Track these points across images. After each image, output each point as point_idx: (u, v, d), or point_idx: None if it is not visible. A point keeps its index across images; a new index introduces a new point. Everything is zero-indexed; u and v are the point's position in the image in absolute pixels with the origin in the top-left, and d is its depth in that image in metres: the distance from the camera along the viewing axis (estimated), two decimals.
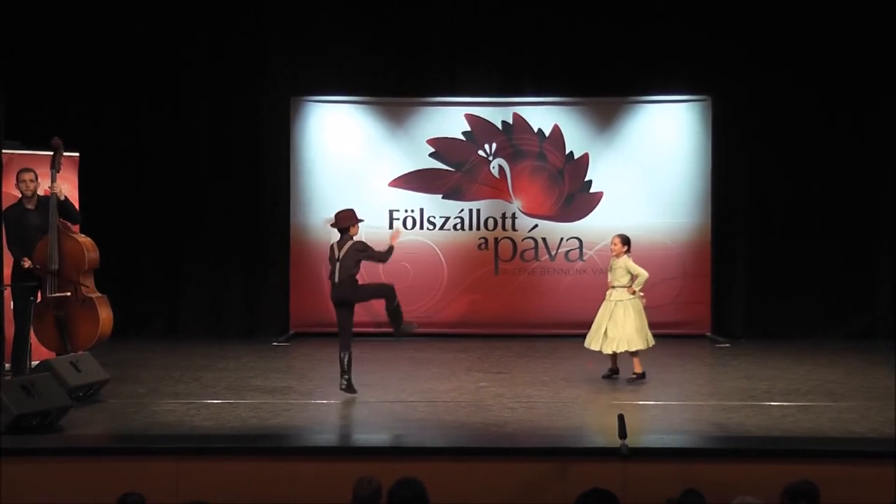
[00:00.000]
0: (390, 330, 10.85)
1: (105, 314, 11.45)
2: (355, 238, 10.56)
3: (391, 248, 10.71)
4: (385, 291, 10.65)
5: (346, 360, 10.39)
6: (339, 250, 10.44)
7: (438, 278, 15.27)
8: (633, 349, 11.29)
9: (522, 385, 11.27)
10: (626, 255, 11.45)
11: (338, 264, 10.40)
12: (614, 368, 11.53)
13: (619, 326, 11.26)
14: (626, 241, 11.54)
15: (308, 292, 15.06)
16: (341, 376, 10.39)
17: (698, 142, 15.16)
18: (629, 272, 11.36)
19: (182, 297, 15.28)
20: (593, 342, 11.46)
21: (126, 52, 14.89)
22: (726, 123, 15.08)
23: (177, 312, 15.28)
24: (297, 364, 13.03)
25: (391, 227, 15.11)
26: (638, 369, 11.37)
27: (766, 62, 15.03)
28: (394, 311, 10.59)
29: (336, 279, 10.43)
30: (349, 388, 10.38)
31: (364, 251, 10.53)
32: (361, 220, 10.71)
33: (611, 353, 11.36)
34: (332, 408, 10.19)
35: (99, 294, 11.55)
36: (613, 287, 11.43)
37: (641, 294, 11.40)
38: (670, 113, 15.28)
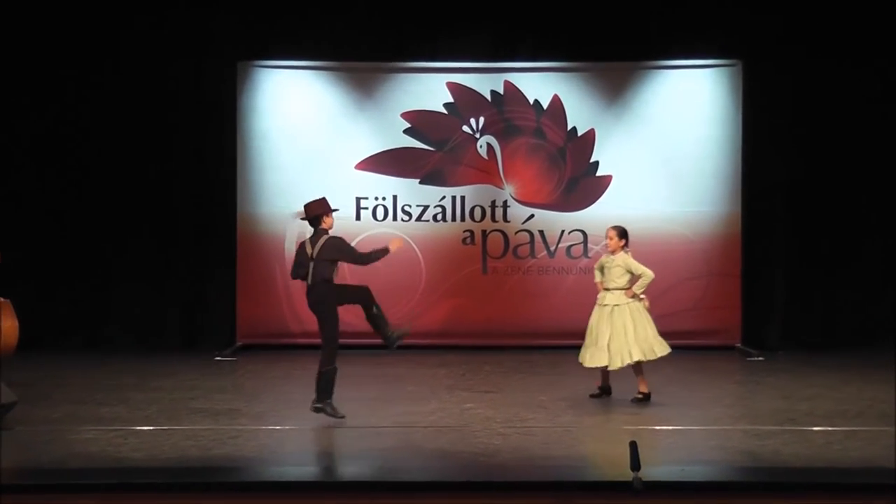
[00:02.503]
0: (374, 341, 10.79)
1: (7, 323, 11.32)
2: (331, 233, 10.50)
3: (384, 251, 10.59)
4: (360, 296, 10.58)
5: (325, 376, 10.34)
6: (313, 248, 10.40)
7: (415, 279, 15.25)
8: (632, 361, 11.20)
9: (516, 407, 11.24)
10: (623, 252, 11.37)
11: (312, 265, 10.35)
12: (604, 386, 11.49)
13: (622, 335, 11.18)
14: (623, 233, 11.45)
15: (258, 297, 15.05)
16: (317, 393, 10.36)
17: (726, 115, 15.18)
18: (629, 272, 11.29)
19: (107, 302, 15.22)
20: (593, 357, 11.31)
21: (36, 9, 14.82)
22: (760, 93, 15.11)
23: (101, 321, 15.23)
24: (246, 382, 12.98)
25: (358, 217, 15.12)
26: (644, 388, 11.30)
27: (806, 21, 15.04)
28: (375, 318, 10.53)
29: (310, 281, 10.39)
30: (324, 409, 10.33)
31: (342, 251, 10.45)
32: (335, 210, 10.65)
33: (616, 368, 11.29)
34: (288, 435, 10.15)
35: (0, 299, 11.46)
36: (608, 289, 11.36)
37: (643, 296, 11.37)
38: (693, 80, 15.31)
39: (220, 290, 15.28)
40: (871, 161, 15.09)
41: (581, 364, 11.51)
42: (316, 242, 10.38)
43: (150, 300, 15.24)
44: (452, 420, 10.65)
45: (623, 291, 11.29)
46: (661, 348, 11.32)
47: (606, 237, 11.52)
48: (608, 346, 11.23)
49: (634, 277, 11.29)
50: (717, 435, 10.09)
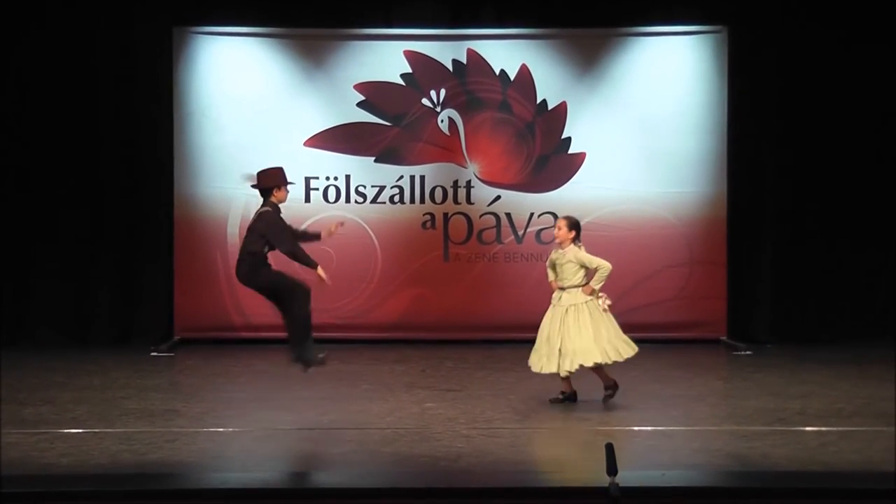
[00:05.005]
0: (325, 335, 10.83)
1: None
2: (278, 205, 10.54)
3: (316, 236, 10.59)
4: (296, 295, 10.51)
5: (304, 319, 10.43)
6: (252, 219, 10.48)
7: (370, 267, 15.24)
8: (591, 363, 11.01)
9: (481, 406, 11.26)
10: (573, 245, 11.13)
11: (246, 236, 10.43)
12: (568, 392, 11.28)
13: (573, 337, 10.99)
14: (574, 224, 11.19)
15: (198, 287, 15.01)
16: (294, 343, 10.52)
17: (711, 87, 15.23)
18: (583, 266, 11.05)
19: (29, 292, 15.13)
20: (545, 362, 11.13)
21: None
22: (748, 63, 15.16)
23: (21, 313, 15.14)
24: (185, 380, 12.99)
25: (308, 199, 15.08)
26: (607, 380, 11.19)
27: None
28: (299, 324, 10.53)
29: (239, 255, 10.43)
30: (307, 357, 10.58)
31: (270, 228, 10.40)
32: (291, 183, 10.67)
33: (565, 373, 11.07)
34: (231, 437, 10.12)
35: None
36: (563, 289, 11.12)
37: (601, 294, 11.09)
38: (674, 48, 15.37)
39: (155, 280, 15.21)
40: (870, 139, 15.12)
41: (535, 372, 11.28)
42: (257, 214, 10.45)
43: (77, 291, 15.15)
44: (411, 421, 10.65)
45: (580, 290, 11.07)
46: (627, 349, 11.10)
47: (555, 227, 11.36)
48: (560, 349, 11.04)
49: (590, 272, 11.07)
50: (700, 436, 10.13)
